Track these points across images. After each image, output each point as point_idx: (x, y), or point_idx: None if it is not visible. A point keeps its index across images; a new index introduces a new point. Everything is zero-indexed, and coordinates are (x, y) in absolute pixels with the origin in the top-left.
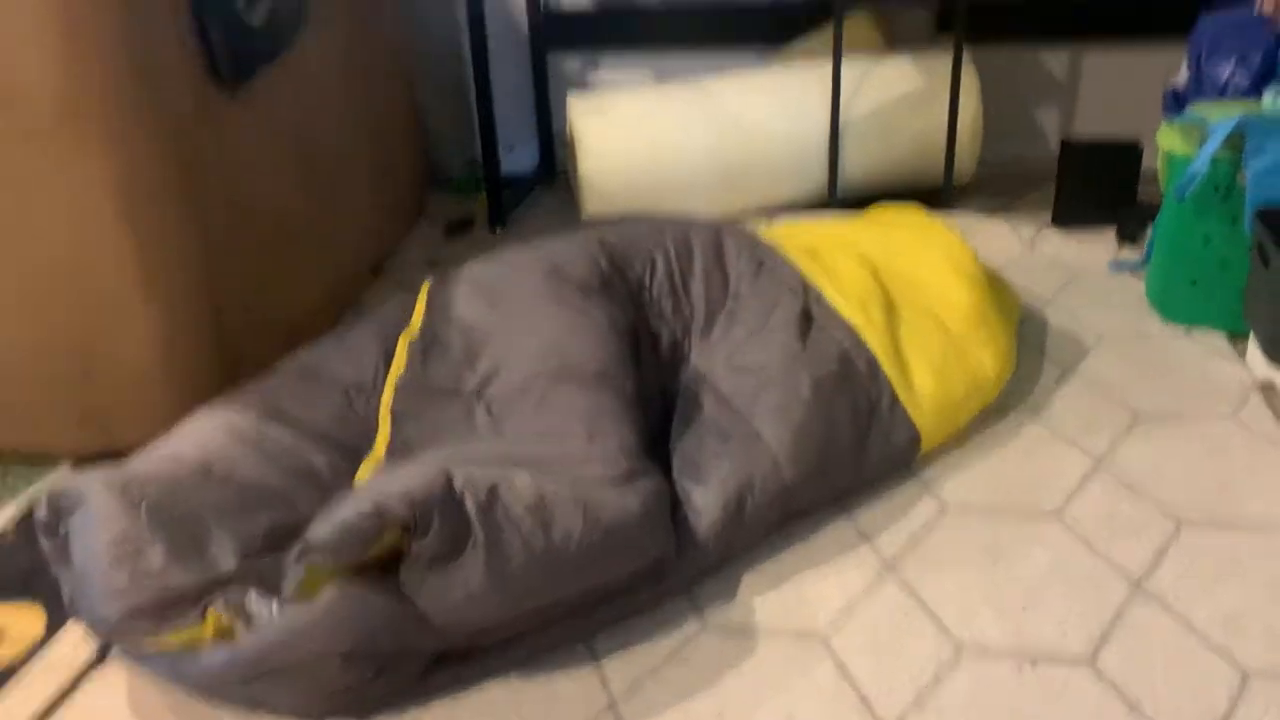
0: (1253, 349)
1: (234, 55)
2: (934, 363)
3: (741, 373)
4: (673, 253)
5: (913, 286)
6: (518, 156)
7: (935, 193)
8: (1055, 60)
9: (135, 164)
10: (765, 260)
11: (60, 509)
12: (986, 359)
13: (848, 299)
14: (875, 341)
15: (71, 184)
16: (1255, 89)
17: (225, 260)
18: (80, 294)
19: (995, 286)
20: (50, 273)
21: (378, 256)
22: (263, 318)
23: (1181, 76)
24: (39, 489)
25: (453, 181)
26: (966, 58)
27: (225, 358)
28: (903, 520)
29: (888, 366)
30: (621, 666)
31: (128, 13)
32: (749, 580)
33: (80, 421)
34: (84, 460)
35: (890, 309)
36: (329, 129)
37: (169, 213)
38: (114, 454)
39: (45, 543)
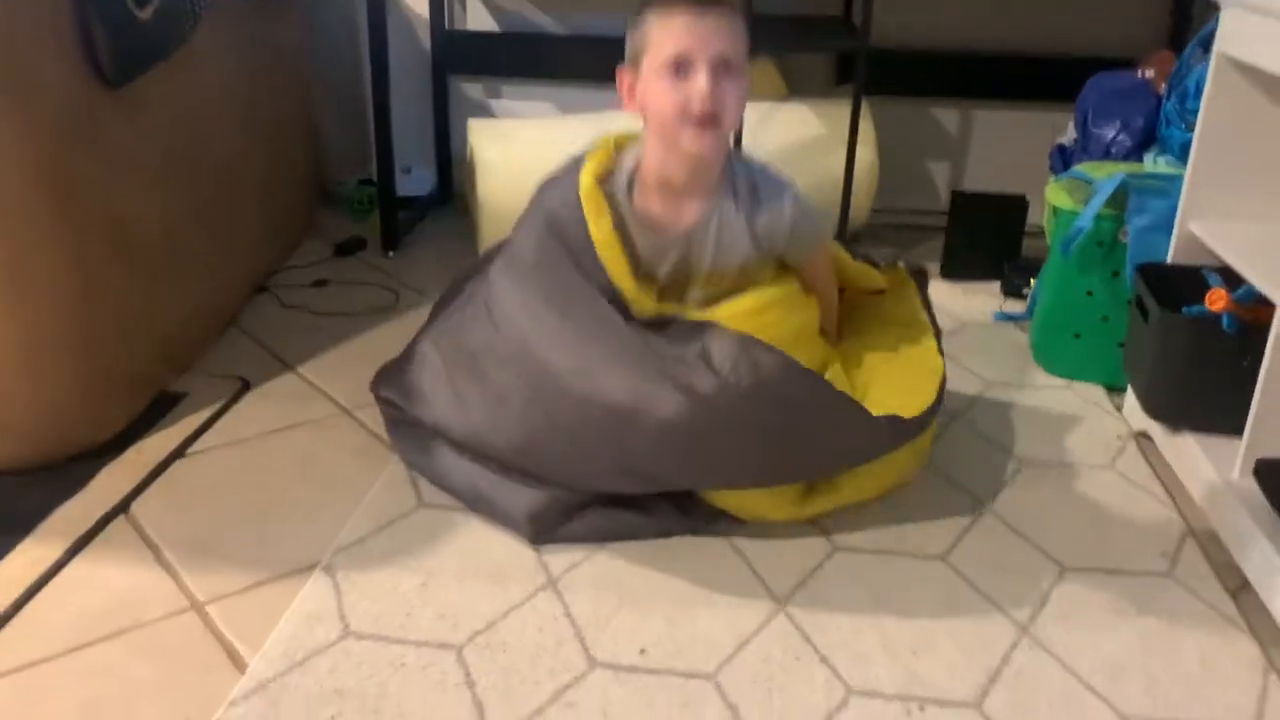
0: (1130, 401)
1: (118, 53)
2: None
3: None
4: None
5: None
6: (414, 179)
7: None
8: (948, 116)
9: (6, 170)
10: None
11: None
12: None
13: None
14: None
15: None
16: (1138, 151)
17: (98, 270)
18: None
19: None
20: None
21: (263, 272)
22: (137, 332)
23: (1068, 136)
24: None
25: (346, 200)
26: (864, 108)
27: (93, 372)
28: (794, 560)
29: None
30: (502, 706)
31: None
32: (638, 617)
33: None
34: None
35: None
36: (219, 137)
37: (38, 220)
38: None
39: None
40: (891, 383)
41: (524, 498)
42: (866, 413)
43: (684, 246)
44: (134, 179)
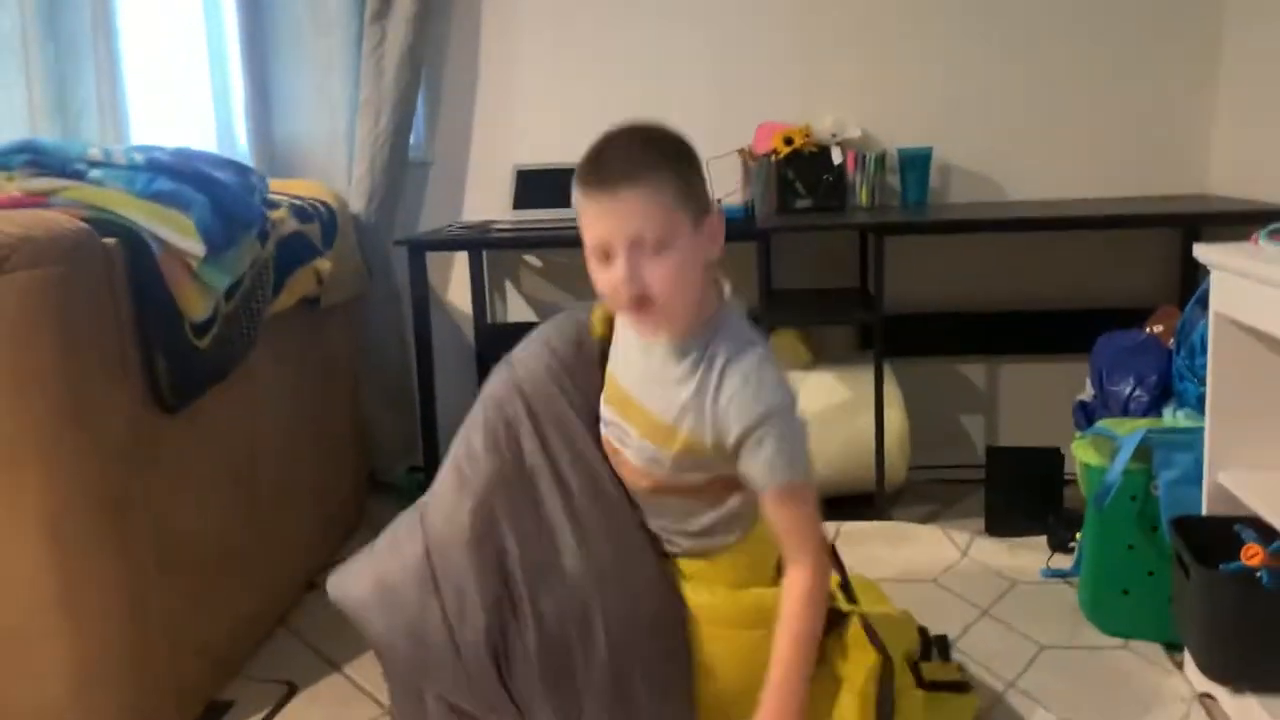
0: (1189, 660)
1: (178, 381)
2: None
3: None
4: None
5: None
6: None
7: (870, 499)
8: (974, 372)
9: (66, 494)
10: None
11: None
12: None
13: None
14: None
15: (1, 514)
16: (1156, 405)
17: (149, 586)
18: None
19: None
20: None
21: (313, 569)
22: (186, 643)
23: (1088, 392)
24: None
25: (393, 488)
26: (888, 371)
27: (143, 687)
28: None
29: None
30: None
31: (69, 352)
32: None
33: None
34: None
35: None
36: (272, 443)
37: (96, 541)
38: None
39: None
40: None
41: None
42: None
43: (643, 366)
44: (188, 493)
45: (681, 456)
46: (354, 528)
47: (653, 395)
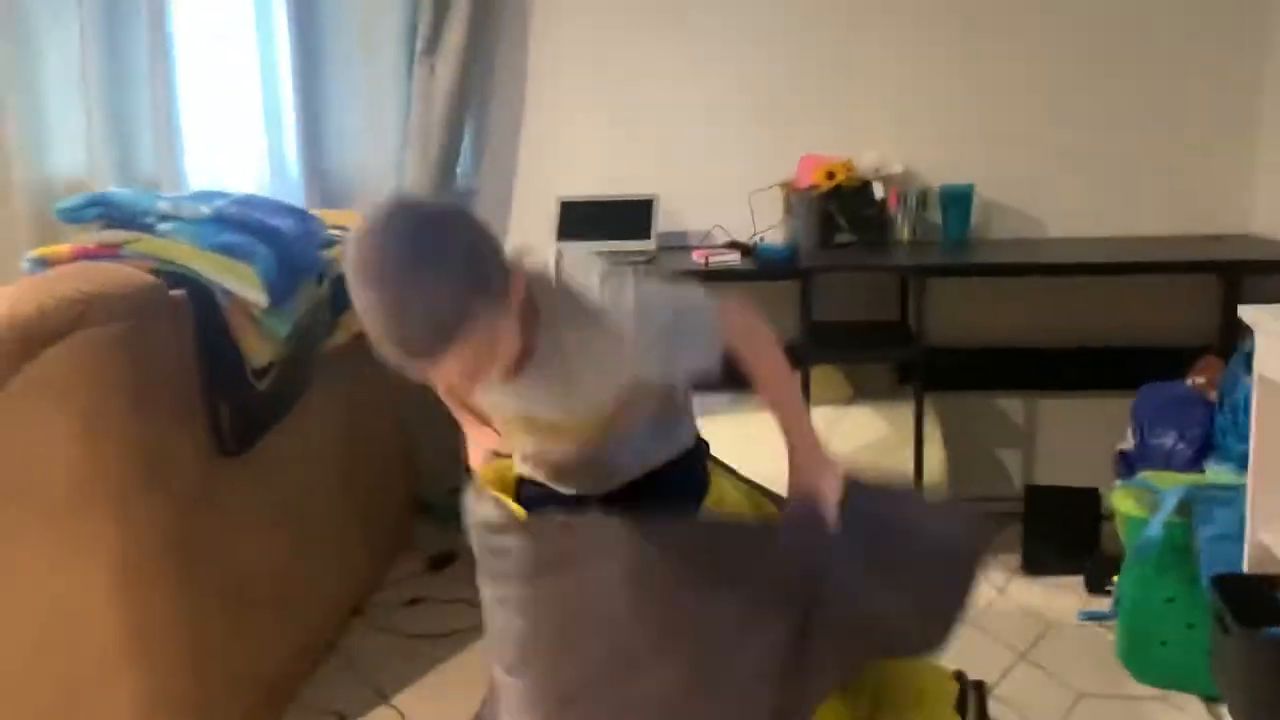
0: (1228, 715)
1: (240, 427)
2: None
3: None
4: None
5: None
6: None
7: None
8: (1013, 407)
9: (136, 543)
10: None
11: None
12: None
13: None
14: None
15: (73, 563)
16: (1198, 459)
17: (211, 626)
18: (66, 667)
19: None
20: (39, 648)
21: (361, 594)
22: (243, 678)
23: (1129, 441)
24: None
25: (437, 510)
26: (928, 406)
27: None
28: None
29: None
30: None
31: (140, 404)
32: None
33: None
34: None
35: None
36: (324, 477)
37: (163, 586)
38: None
39: None
40: None
41: None
42: None
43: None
44: (248, 533)
45: (617, 410)
46: (399, 552)
47: (548, 404)
